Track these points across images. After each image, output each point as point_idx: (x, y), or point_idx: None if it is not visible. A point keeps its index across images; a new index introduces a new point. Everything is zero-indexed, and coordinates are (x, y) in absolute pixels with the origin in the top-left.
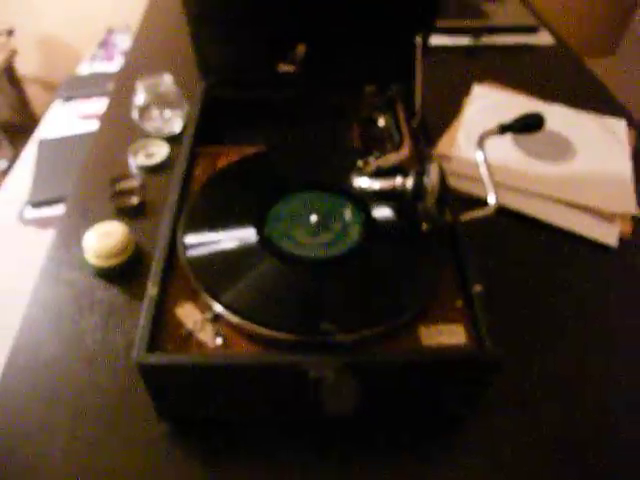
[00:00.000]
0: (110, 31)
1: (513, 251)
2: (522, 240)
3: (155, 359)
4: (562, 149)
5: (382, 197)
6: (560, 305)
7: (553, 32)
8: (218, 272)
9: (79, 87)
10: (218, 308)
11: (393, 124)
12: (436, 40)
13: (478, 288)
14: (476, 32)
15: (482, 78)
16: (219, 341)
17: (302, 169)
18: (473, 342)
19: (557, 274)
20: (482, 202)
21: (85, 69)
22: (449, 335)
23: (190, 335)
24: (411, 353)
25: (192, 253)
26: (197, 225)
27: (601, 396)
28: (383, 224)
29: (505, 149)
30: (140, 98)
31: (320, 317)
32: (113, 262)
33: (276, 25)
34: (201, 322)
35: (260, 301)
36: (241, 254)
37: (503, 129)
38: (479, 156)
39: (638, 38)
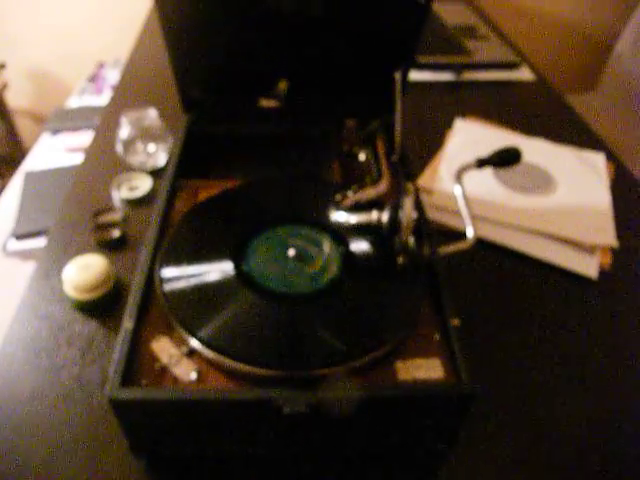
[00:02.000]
0: (100, 65)
1: (493, 283)
2: (502, 272)
3: (128, 394)
4: (542, 182)
5: (359, 231)
6: (540, 336)
7: (533, 68)
8: (194, 306)
9: (67, 120)
10: (193, 343)
11: (373, 158)
12: (419, 75)
13: (455, 322)
14: (458, 68)
15: (464, 113)
16: (193, 376)
17: (282, 203)
18: (450, 376)
19: (537, 306)
20: (464, 235)
21: (74, 102)
22: (426, 370)
23: (165, 370)
24: (386, 388)
25: (168, 287)
26: (175, 258)
27: (576, 424)
28: (361, 258)
29: (486, 182)
30: (124, 132)
31: (296, 352)
32: (92, 295)
33: (258, 61)
34: (176, 356)
35: (236, 336)
36: (218, 288)
37: (481, 163)
38: (457, 190)
39: (616, 75)
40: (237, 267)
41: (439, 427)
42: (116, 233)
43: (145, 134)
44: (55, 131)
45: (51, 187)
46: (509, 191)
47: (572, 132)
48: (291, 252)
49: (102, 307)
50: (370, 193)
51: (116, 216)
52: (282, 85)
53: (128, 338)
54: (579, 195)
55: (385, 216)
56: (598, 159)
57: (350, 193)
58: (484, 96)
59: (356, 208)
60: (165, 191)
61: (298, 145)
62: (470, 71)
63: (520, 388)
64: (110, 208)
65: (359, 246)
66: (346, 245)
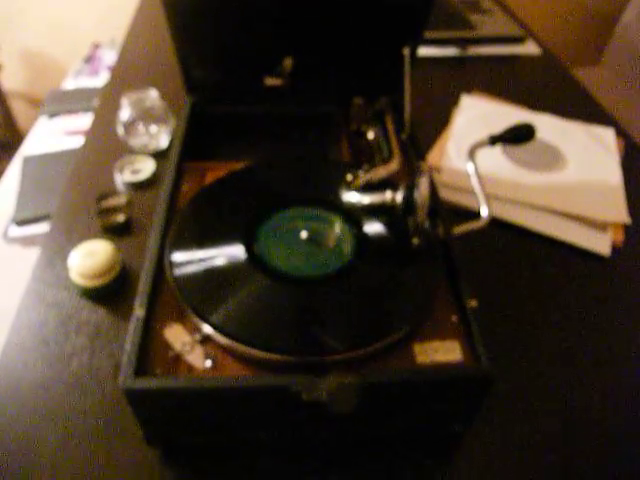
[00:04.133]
0: (96, 46)
1: (505, 262)
2: (513, 251)
3: (142, 384)
4: (552, 159)
5: (372, 212)
6: (554, 315)
7: (539, 42)
8: (206, 291)
9: (63, 102)
10: (207, 329)
11: (382, 137)
12: (423, 51)
13: (473, 303)
14: (463, 43)
15: (470, 88)
16: (208, 363)
17: (291, 184)
18: (468, 358)
19: (552, 284)
20: (473, 213)
21: (70, 84)
22: (444, 352)
23: (179, 357)
24: (405, 372)
25: (179, 272)
26: (184, 243)
27: (599, 407)
28: (375, 240)
29: (495, 160)
30: (125, 114)
31: (312, 336)
32: (99, 282)
33: (263, 38)
34: (190, 344)
35: (250, 321)
36: (230, 272)
37: (493, 140)
38: (470, 168)
39: (622, 47)
40: (248, 250)
41: (457, 409)
42: (121, 218)
43: (146, 115)
44: (52, 114)
45: (51, 171)
46: (518, 168)
47: (580, 107)
48: (303, 234)
49: (109, 294)
50: (381, 172)
51: (120, 200)
52: (287, 62)
53: (140, 326)
54: (589, 171)
55: (399, 196)
56: (608, 134)
57: (361, 173)
58: (489, 71)
59: (368, 188)
60: (171, 174)
61: (305, 124)
62: (474, 46)
63: (538, 368)
64: (114, 192)
65: (373, 227)
66: (359, 226)
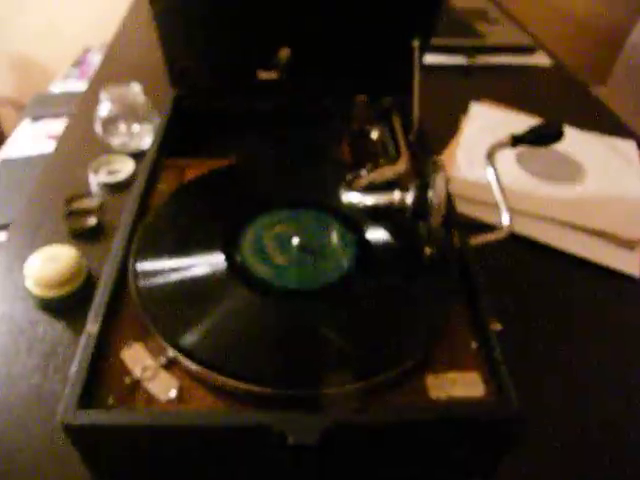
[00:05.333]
0: (86, 50)
1: (521, 281)
2: (531, 269)
3: (86, 418)
4: (570, 170)
5: (376, 215)
6: (577, 341)
7: (550, 53)
8: (175, 306)
9: (49, 106)
10: (174, 352)
11: (389, 136)
12: (430, 58)
13: (496, 326)
14: (471, 51)
15: (478, 98)
16: (173, 394)
17: (281, 184)
18: (492, 393)
19: (576, 307)
20: (486, 227)
21: (57, 88)
22: (463, 386)
23: (137, 385)
24: (416, 410)
25: (144, 282)
26: (153, 250)
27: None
28: (378, 248)
29: (508, 170)
30: (104, 109)
31: (302, 364)
32: (59, 292)
33: (257, 27)
34: (152, 369)
35: (226, 344)
36: (206, 285)
37: (516, 140)
38: (489, 172)
39: (630, 68)
40: (229, 259)
41: (477, 457)
42: (91, 221)
43: (128, 112)
44: (36, 118)
45: (28, 175)
46: (534, 179)
47: (596, 119)
48: (295, 241)
49: (71, 306)
50: (387, 173)
51: (92, 203)
52: (283, 54)
53: (92, 345)
54: (611, 184)
55: (410, 197)
56: (629, 146)
57: (364, 173)
58: (498, 81)
59: (370, 190)
60: (146, 170)
61: (301, 123)
62: (483, 55)
63: (567, 397)
64: (85, 194)
65: (376, 234)
66: (360, 232)
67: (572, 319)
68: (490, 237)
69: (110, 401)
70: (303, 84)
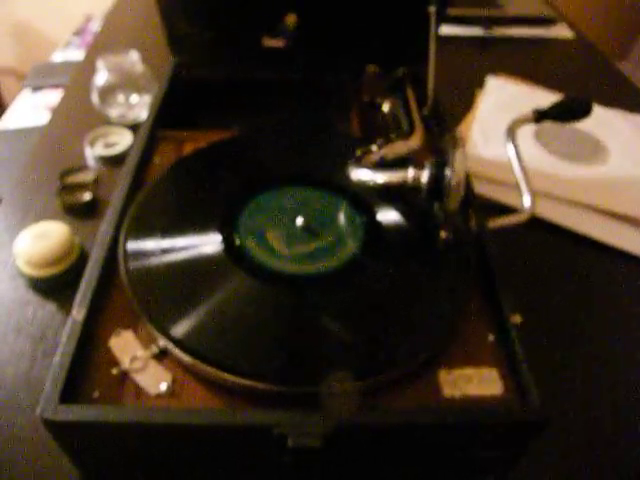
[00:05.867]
0: (88, 18)
1: (540, 267)
2: (552, 255)
3: (67, 414)
4: (592, 150)
5: (388, 195)
6: (600, 332)
7: (572, 25)
8: (168, 292)
9: (49, 76)
10: (165, 341)
11: (401, 109)
12: (446, 29)
13: (517, 318)
14: (488, 22)
15: (495, 71)
16: (163, 387)
17: (285, 159)
18: (510, 392)
19: (599, 295)
20: (502, 208)
21: (58, 57)
22: (479, 383)
23: (126, 376)
24: (428, 411)
25: (135, 265)
26: (146, 229)
27: None
28: (389, 231)
29: (527, 149)
30: (101, 79)
31: (306, 358)
32: (50, 271)
33: None
34: (142, 359)
35: (223, 334)
36: (201, 268)
37: (540, 116)
38: (510, 150)
39: None
40: (227, 240)
41: (492, 459)
42: (86, 196)
43: (126, 82)
44: (36, 88)
45: (24, 148)
46: (553, 158)
47: (620, 95)
48: (299, 221)
49: (63, 286)
50: (400, 148)
51: (87, 177)
52: (290, 20)
53: (77, 333)
54: (635, 165)
55: (425, 175)
56: None
57: (374, 148)
58: (517, 54)
59: (381, 167)
60: (141, 142)
61: (308, 93)
62: (501, 26)
63: (584, 396)
64: (81, 167)
65: (387, 215)
66: (370, 213)
67: (593, 308)
68: (510, 220)
69: (95, 394)
70: (310, 53)
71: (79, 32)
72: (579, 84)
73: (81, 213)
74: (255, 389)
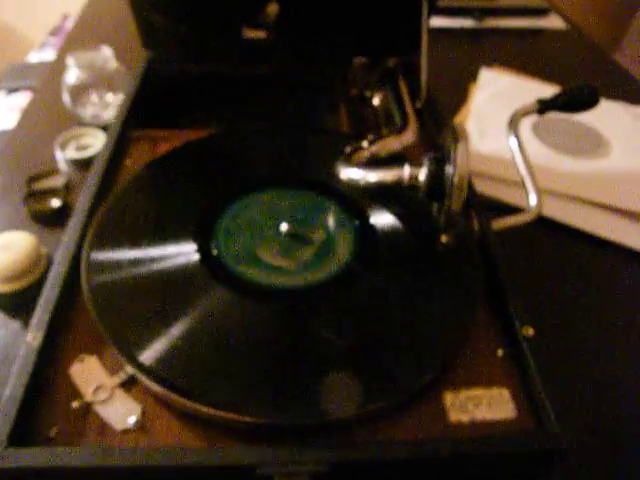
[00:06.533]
0: (65, 17)
1: (541, 266)
2: (553, 253)
3: (17, 459)
4: (592, 143)
5: (381, 196)
6: (605, 334)
7: (564, 16)
8: (136, 311)
9: (24, 77)
10: (133, 369)
11: (393, 102)
12: (435, 22)
13: (529, 331)
14: (480, 13)
15: (488, 63)
16: (132, 421)
17: (267, 159)
18: (524, 415)
19: (600, 295)
20: (502, 207)
21: (34, 58)
22: (489, 405)
23: (89, 409)
24: (432, 443)
25: (99, 280)
26: (112, 237)
27: None
28: (384, 236)
29: (525, 142)
30: (72, 76)
31: (294, 386)
32: (14, 286)
33: None
34: (107, 389)
35: (200, 360)
36: (174, 282)
37: (544, 106)
38: (512, 143)
39: None
40: (203, 249)
41: None
42: (55, 203)
43: (99, 80)
44: (10, 90)
45: None
46: (552, 152)
47: (616, 86)
48: (283, 227)
49: (28, 302)
50: (393, 143)
51: (57, 182)
52: (272, 10)
53: (32, 361)
54: (638, 158)
55: (423, 173)
56: None
57: (365, 144)
58: (509, 45)
59: (373, 165)
60: (111, 142)
61: (292, 88)
62: (493, 17)
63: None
64: (50, 172)
65: (381, 218)
66: (362, 216)
67: (603, 313)
68: (516, 220)
69: (52, 433)
70: (294, 44)
71: (56, 32)
72: (575, 75)
73: (50, 221)
74: (236, 422)
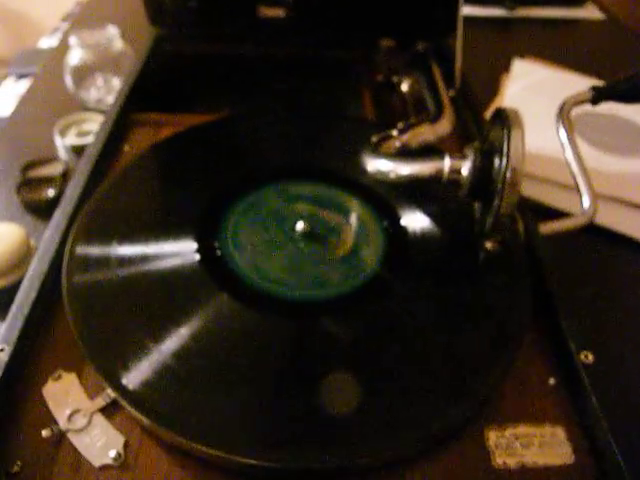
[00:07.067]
0: (79, 3)
1: (604, 284)
2: (612, 267)
3: None
4: (637, 140)
5: (414, 193)
6: None
7: (601, 5)
8: (121, 321)
9: (35, 63)
10: (115, 394)
11: (425, 89)
12: (465, 10)
13: (588, 357)
14: (511, 2)
15: (520, 54)
16: (112, 455)
17: (282, 147)
18: (582, 456)
19: None
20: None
21: (45, 44)
22: (540, 447)
23: (62, 438)
24: None
25: (80, 280)
26: (100, 232)
27: None
28: (417, 239)
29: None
30: (75, 57)
31: (303, 421)
32: (1, 282)
33: None
34: (86, 414)
35: (195, 386)
36: (169, 288)
37: (599, 94)
38: (562, 136)
39: None
40: (205, 249)
41: None
42: (50, 193)
43: (105, 62)
44: (21, 75)
45: None
46: (597, 152)
47: None
48: (299, 226)
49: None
50: (426, 133)
51: (54, 169)
52: None
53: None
54: None
55: (467, 166)
56: None
57: (395, 133)
58: (543, 36)
59: (404, 156)
60: (108, 126)
61: (312, 72)
62: (525, 6)
63: None
64: (48, 159)
65: (415, 219)
66: (392, 216)
67: None
68: (566, 224)
69: (15, 468)
70: (314, 24)
71: (68, 18)
72: (613, 68)
73: (44, 212)
74: (235, 464)
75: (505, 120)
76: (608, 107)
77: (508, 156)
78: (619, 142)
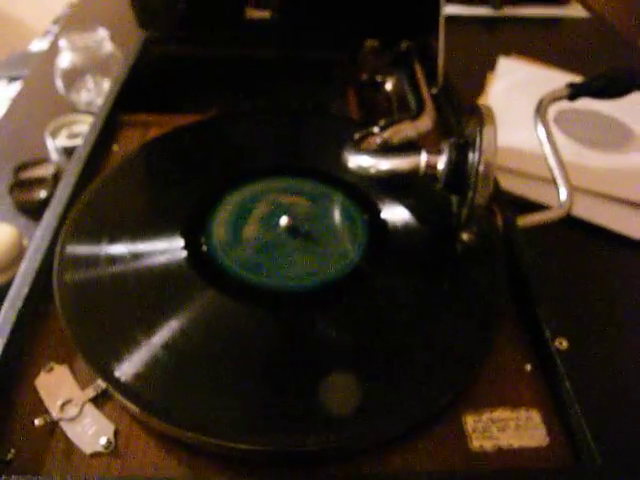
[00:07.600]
0: (70, 5)
1: (579, 274)
2: (586, 257)
3: None
4: (619, 136)
5: (394, 187)
6: None
7: (586, 3)
8: (111, 315)
9: (25, 66)
10: (105, 383)
11: (408, 87)
12: (452, 9)
13: (562, 343)
14: (497, 1)
15: (506, 53)
16: (103, 442)
17: (267, 146)
18: (558, 443)
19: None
20: (522, 204)
21: (36, 47)
22: (516, 430)
23: (54, 427)
24: (452, 475)
25: (71, 277)
26: (89, 232)
27: None
28: (397, 232)
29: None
30: (65, 60)
31: (289, 406)
32: None
33: None
34: (77, 404)
35: (184, 376)
36: (157, 283)
37: (575, 91)
38: (540, 132)
39: None
40: (192, 245)
41: None
42: (42, 194)
43: (96, 65)
44: (12, 78)
45: None
46: (577, 146)
47: None
48: (283, 221)
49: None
50: (407, 130)
51: (46, 171)
52: None
53: None
54: None
55: (443, 161)
56: None
57: (376, 129)
58: (528, 34)
59: (385, 153)
60: (97, 126)
61: (297, 71)
62: (511, 5)
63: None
64: (40, 161)
65: (394, 212)
66: (372, 209)
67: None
68: (544, 217)
69: (9, 455)
70: (300, 25)
71: (59, 21)
72: (597, 65)
73: (36, 213)
74: (224, 449)
75: (479, 116)
76: (590, 104)
77: (480, 150)
78: (600, 138)
